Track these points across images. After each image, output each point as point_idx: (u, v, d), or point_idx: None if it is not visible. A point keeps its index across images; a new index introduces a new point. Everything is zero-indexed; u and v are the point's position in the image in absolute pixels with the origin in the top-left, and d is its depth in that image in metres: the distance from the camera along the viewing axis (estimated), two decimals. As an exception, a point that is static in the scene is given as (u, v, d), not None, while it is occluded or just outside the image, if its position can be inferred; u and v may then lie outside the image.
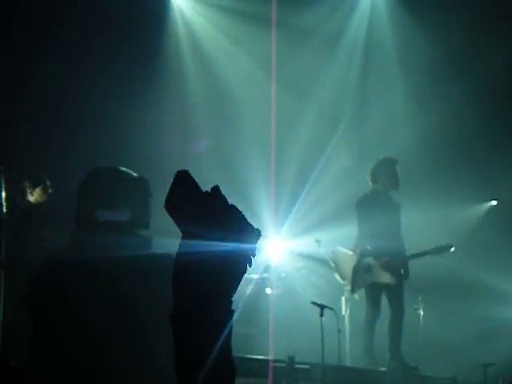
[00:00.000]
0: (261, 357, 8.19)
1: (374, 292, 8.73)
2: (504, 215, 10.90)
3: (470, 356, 8.97)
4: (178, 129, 11.06)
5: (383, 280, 8.62)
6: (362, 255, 8.72)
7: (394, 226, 8.78)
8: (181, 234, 1.72)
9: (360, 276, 8.78)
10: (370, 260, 8.69)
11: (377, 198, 8.82)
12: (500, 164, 10.71)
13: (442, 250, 8.88)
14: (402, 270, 8.71)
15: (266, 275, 10.33)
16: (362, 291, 8.99)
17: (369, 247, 8.68)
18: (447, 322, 9.77)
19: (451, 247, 8.84)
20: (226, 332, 1.73)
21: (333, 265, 9.26)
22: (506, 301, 9.85)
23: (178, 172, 1.72)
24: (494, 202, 11.35)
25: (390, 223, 8.74)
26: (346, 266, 8.99)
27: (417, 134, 10.89)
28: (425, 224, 10.24)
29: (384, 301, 8.72)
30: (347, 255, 8.93)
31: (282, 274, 10.47)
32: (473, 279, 9.67)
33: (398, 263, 8.68)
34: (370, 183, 8.92)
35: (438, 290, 9.41)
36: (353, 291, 8.88)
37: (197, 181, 1.73)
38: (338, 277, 9.26)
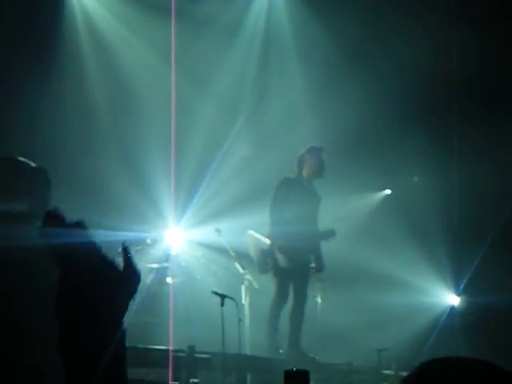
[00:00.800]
0: (161, 347, 8.24)
1: (279, 277, 8.86)
2: (397, 204, 11.21)
3: (364, 342, 9.25)
4: (77, 119, 10.92)
5: (284, 265, 8.76)
6: (271, 239, 8.83)
7: (310, 215, 8.94)
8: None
9: (266, 259, 8.90)
10: (277, 244, 8.80)
11: (298, 183, 8.94)
12: (394, 155, 11.02)
13: (326, 235, 9.10)
14: (313, 259, 8.88)
15: (166, 264, 10.36)
16: (262, 279, 9.15)
17: (279, 232, 8.78)
18: (344, 309, 10.01)
19: (334, 233, 9.07)
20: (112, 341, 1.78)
21: (232, 254, 9.36)
22: (400, 288, 10.15)
23: (47, 211, 1.80)
24: (389, 191, 11.65)
25: (307, 211, 8.89)
26: (255, 249, 9.10)
27: (316, 124, 11.08)
28: (323, 212, 10.44)
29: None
30: (258, 238, 9.04)
31: (183, 263, 10.51)
32: (368, 267, 9.93)
33: (305, 250, 8.83)
34: (296, 168, 9.02)
35: (336, 277, 9.62)
36: (261, 272, 9.02)
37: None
38: (238, 266, 9.37)
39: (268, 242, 8.88)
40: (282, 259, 8.76)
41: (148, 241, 10.21)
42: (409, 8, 10.61)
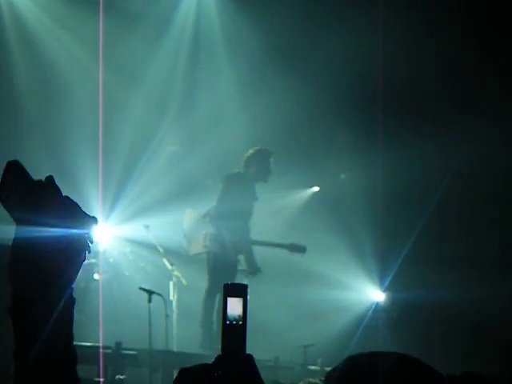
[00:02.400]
0: (89, 343, 8.18)
1: (215, 266, 8.88)
2: (325, 201, 11.34)
3: (291, 338, 9.34)
4: (3, 113, 10.75)
5: (228, 255, 8.79)
6: (214, 226, 8.85)
7: (248, 214, 9.02)
8: (14, 222, 1.76)
9: (204, 242, 8.93)
10: (220, 232, 8.83)
11: (245, 181, 9.00)
12: (323, 153, 11.14)
13: (297, 249, 9.23)
14: (244, 260, 8.95)
15: (94, 260, 10.28)
16: (190, 276, 9.17)
17: (223, 221, 8.82)
18: (271, 305, 10.08)
19: (305, 250, 9.19)
20: (59, 317, 1.76)
21: (161, 250, 9.36)
22: (326, 284, 10.27)
23: (9, 162, 1.75)
24: (317, 188, 11.76)
25: (247, 208, 8.96)
26: (194, 229, 9.12)
27: (245, 121, 11.13)
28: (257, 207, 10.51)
29: None
30: (199, 220, 9.07)
31: (110, 260, 10.44)
32: (295, 263, 10.01)
33: (236, 248, 8.89)
34: (243, 168, 9.05)
35: (263, 274, 9.68)
36: (191, 253, 9.05)
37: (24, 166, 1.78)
38: (166, 262, 9.37)
39: (213, 226, 8.92)
40: (227, 246, 8.81)
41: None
42: (338, 6, 10.72)
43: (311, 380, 8.19)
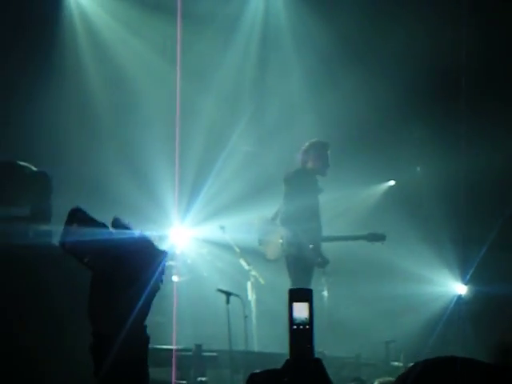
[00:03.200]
0: (168, 346, 8.25)
1: (296, 268, 8.84)
2: (401, 195, 11.21)
3: (372, 334, 9.26)
4: (78, 120, 10.95)
5: (308, 257, 8.75)
6: (288, 229, 8.83)
7: (316, 208, 8.97)
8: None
9: (282, 247, 8.91)
10: (296, 234, 8.80)
11: (306, 177, 8.96)
12: (397, 146, 11.01)
13: (376, 238, 9.14)
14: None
15: (171, 263, 10.37)
16: (268, 275, 9.16)
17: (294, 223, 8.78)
18: (350, 302, 10.02)
19: (384, 237, 9.10)
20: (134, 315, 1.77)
21: (238, 250, 9.38)
22: (406, 278, 10.14)
23: (71, 209, 1.76)
24: (392, 182, 11.63)
25: (314, 204, 8.93)
26: (269, 235, 9.13)
27: (316, 119, 11.08)
28: (327, 204, 10.45)
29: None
30: (272, 226, 9.07)
31: (188, 261, 10.52)
32: (374, 259, 9.91)
33: (318, 244, 8.86)
34: (300, 163, 9.01)
35: (341, 271, 9.62)
36: (270, 260, 9.04)
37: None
38: (243, 262, 9.39)
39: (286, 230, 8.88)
40: (305, 249, 8.75)
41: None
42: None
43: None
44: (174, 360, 7.46)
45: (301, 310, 1.79)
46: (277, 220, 9.09)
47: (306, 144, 9.07)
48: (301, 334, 1.80)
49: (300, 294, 1.80)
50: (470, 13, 10.38)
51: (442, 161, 10.67)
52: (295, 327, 1.80)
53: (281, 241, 8.91)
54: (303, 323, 1.80)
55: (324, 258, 8.92)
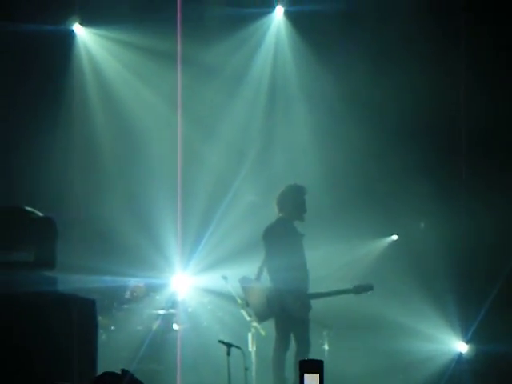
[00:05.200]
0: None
1: (283, 325, 8.80)
2: (404, 250, 11.19)
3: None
4: (84, 166, 11.01)
5: (294, 314, 8.70)
6: (272, 287, 8.79)
7: (301, 257, 8.90)
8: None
9: (268, 307, 8.85)
10: (279, 292, 8.77)
11: (283, 227, 8.90)
12: (401, 202, 11.02)
13: (363, 289, 9.07)
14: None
15: (172, 311, 10.35)
16: (269, 326, 9.10)
17: (278, 279, 8.76)
18: (351, 357, 9.95)
19: (372, 288, 9.04)
20: None
21: (239, 301, 9.34)
22: (407, 335, 10.10)
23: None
24: (395, 237, 11.63)
25: (297, 254, 8.85)
26: (255, 296, 9.06)
27: (320, 171, 11.12)
28: (328, 258, 10.44)
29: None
30: (257, 286, 9.01)
31: (189, 310, 10.50)
32: (375, 314, 9.89)
33: (307, 296, 8.80)
34: (277, 210, 8.98)
35: (342, 325, 9.58)
36: (260, 321, 8.95)
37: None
38: (244, 313, 9.34)
39: (271, 288, 8.83)
40: (291, 306, 8.71)
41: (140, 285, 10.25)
42: (415, 58, 10.69)
43: None
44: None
45: (312, 381, 1.79)
46: (259, 279, 9.01)
47: (282, 189, 9.03)
48: (313, 405, 1.79)
49: (311, 365, 1.80)
50: (473, 74, 10.50)
51: (444, 218, 10.70)
52: (307, 399, 1.80)
53: (266, 301, 8.83)
54: (314, 395, 1.79)
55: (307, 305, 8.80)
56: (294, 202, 8.94)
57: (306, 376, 1.79)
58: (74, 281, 9.27)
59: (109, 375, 1.96)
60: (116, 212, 10.73)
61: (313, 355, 8.88)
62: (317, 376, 1.80)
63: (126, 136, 11.32)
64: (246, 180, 11.40)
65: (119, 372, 2.04)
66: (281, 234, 8.85)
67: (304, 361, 1.82)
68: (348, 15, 11.19)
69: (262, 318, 8.98)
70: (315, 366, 1.81)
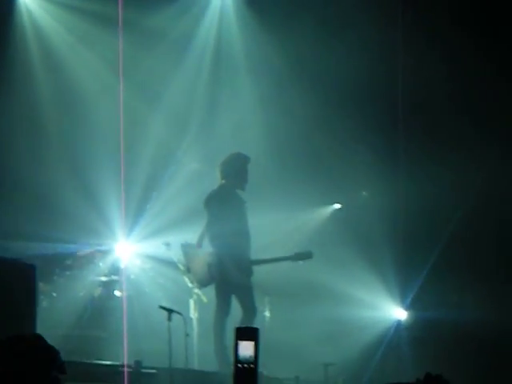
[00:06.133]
0: (109, 362, 8.20)
1: (224, 291, 8.86)
2: (346, 219, 11.31)
3: (312, 357, 9.31)
4: (24, 127, 10.85)
5: (234, 279, 8.76)
6: (213, 253, 8.82)
7: (243, 224, 8.93)
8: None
9: (209, 273, 8.89)
10: (220, 258, 8.81)
11: (225, 194, 8.92)
12: (344, 170, 11.12)
13: (303, 256, 9.14)
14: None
15: (115, 277, 10.32)
16: (211, 293, 9.15)
17: (219, 246, 8.80)
18: (291, 324, 10.06)
19: (312, 255, 9.10)
20: None
21: (181, 268, 9.35)
22: (347, 302, 10.24)
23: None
24: (338, 205, 11.73)
25: (240, 221, 8.89)
26: (196, 262, 9.09)
27: (265, 139, 11.15)
28: (272, 226, 10.50)
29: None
30: (198, 252, 9.04)
31: (132, 276, 10.48)
32: (316, 281, 9.99)
33: (248, 262, 8.85)
34: (219, 178, 8.98)
35: (283, 292, 9.67)
36: (201, 287, 8.99)
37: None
38: (186, 279, 9.37)
39: (212, 254, 8.86)
40: (234, 274, 8.76)
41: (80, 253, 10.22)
42: (357, 23, 10.72)
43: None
44: (124, 376, 7.40)
45: (246, 349, 1.81)
46: (201, 245, 9.04)
47: (226, 157, 9.04)
48: (246, 373, 1.82)
49: (246, 332, 1.82)
50: (416, 39, 10.58)
51: (385, 187, 10.82)
52: (240, 366, 1.82)
53: (208, 267, 8.87)
54: (248, 362, 1.82)
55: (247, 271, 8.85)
56: (236, 171, 8.95)
57: (241, 343, 1.80)
58: (15, 247, 9.21)
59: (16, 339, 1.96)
60: (58, 177, 10.61)
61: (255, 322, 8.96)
62: (252, 343, 1.81)
63: (68, 101, 11.16)
64: (189, 147, 11.37)
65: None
66: (223, 200, 8.88)
67: (239, 328, 1.83)
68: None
69: (202, 283, 9.02)
70: (251, 334, 1.83)
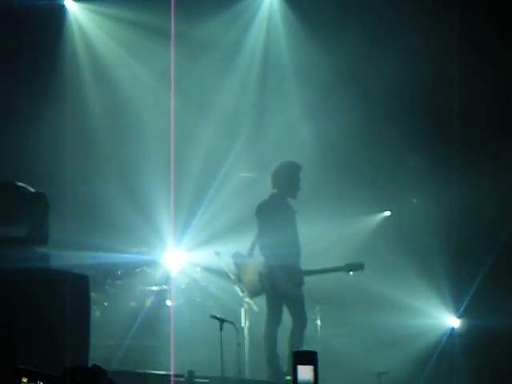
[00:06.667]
0: (161, 372, 8.25)
1: (274, 301, 8.85)
2: (397, 226, 11.23)
3: (365, 365, 9.23)
4: (77, 142, 10.99)
5: (284, 290, 8.75)
6: (264, 263, 8.82)
7: (294, 234, 8.91)
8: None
9: (260, 283, 8.89)
10: (270, 268, 8.80)
11: (276, 204, 8.90)
12: (393, 177, 11.05)
13: (354, 267, 9.10)
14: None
15: (165, 287, 10.39)
16: (261, 302, 9.14)
17: (271, 255, 8.79)
18: (343, 332, 10.01)
19: (363, 266, 9.06)
20: None
21: (232, 277, 9.36)
22: (399, 310, 10.15)
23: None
24: (388, 213, 11.65)
25: (290, 230, 8.86)
26: (247, 272, 9.09)
27: (313, 147, 11.13)
28: (322, 234, 10.47)
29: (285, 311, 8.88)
30: (249, 262, 9.04)
31: (182, 286, 10.54)
32: (368, 289, 9.93)
33: (299, 272, 8.83)
34: (270, 187, 8.98)
35: (335, 300, 9.63)
36: (252, 297, 8.99)
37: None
38: (237, 289, 9.37)
39: (263, 264, 8.86)
40: (282, 281, 8.75)
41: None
42: (409, 33, 10.66)
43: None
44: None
45: (305, 373, 1.80)
46: (252, 254, 9.03)
47: (277, 166, 9.02)
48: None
49: (305, 356, 1.81)
50: (467, 46, 10.47)
51: (437, 193, 10.72)
52: (300, 391, 1.81)
53: (258, 277, 8.86)
54: (308, 386, 1.81)
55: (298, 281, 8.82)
56: (288, 179, 8.93)
57: (300, 368, 1.79)
58: (66, 257, 9.31)
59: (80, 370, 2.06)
60: (109, 188, 10.73)
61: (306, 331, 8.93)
62: (311, 367, 1.80)
63: (118, 112, 11.30)
64: (238, 156, 11.40)
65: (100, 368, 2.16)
66: (274, 210, 8.86)
67: (297, 352, 1.82)
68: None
69: (253, 293, 9.01)
70: (309, 358, 1.81)
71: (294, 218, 8.95)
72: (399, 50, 10.69)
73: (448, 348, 10.28)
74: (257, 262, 8.98)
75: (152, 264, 10.46)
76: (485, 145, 10.60)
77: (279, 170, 8.98)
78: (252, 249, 9.04)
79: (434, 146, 10.94)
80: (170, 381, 7.84)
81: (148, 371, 8.32)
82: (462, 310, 10.54)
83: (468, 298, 10.35)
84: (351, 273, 9.17)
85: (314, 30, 11.20)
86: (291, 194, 8.97)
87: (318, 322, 9.55)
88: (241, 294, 9.29)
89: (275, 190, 8.96)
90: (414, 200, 11.66)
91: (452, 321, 10.67)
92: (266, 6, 11.70)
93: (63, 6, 11.36)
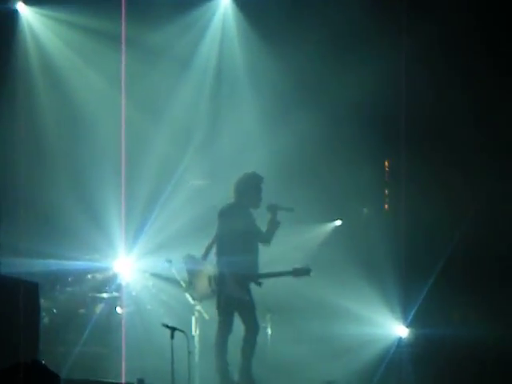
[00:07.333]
0: (111, 380, 8.20)
1: (225, 307, 8.85)
2: (347, 235, 11.32)
3: (314, 373, 9.28)
4: (27, 147, 10.89)
5: (236, 295, 8.76)
6: (215, 266, 8.83)
7: (252, 241, 8.95)
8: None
9: (209, 286, 8.89)
10: (224, 273, 8.80)
11: (239, 210, 8.95)
12: (345, 187, 11.14)
13: (301, 272, 9.13)
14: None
15: (116, 294, 10.33)
16: (213, 310, 9.14)
17: (225, 259, 8.80)
18: (294, 340, 10.04)
19: (310, 271, 9.10)
20: None
21: (183, 285, 9.35)
22: (348, 319, 10.23)
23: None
24: (339, 222, 11.73)
25: (249, 237, 8.90)
26: (197, 275, 9.08)
27: (265, 155, 11.17)
28: (274, 242, 10.50)
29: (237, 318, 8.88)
30: (200, 265, 9.03)
31: (133, 293, 10.48)
32: (318, 298, 9.99)
33: (251, 279, 8.85)
34: (234, 195, 9.01)
35: (286, 308, 9.66)
36: (202, 300, 8.98)
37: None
38: (188, 296, 9.36)
39: (214, 267, 8.87)
40: (233, 287, 8.76)
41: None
42: (361, 46, 10.77)
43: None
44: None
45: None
46: (206, 258, 9.05)
47: (241, 176, 9.09)
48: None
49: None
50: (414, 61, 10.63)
51: (388, 204, 10.85)
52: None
53: (209, 280, 8.87)
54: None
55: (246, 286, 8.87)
56: (252, 189, 9.00)
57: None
58: (17, 264, 9.22)
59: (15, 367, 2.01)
60: (60, 194, 10.64)
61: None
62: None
63: (70, 117, 11.22)
64: (191, 163, 11.39)
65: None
66: (236, 215, 8.91)
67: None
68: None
69: (203, 297, 9.02)
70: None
71: (255, 226, 9.00)
72: (352, 61, 10.79)
73: (396, 357, 10.38)
74: (208, 265, 8.99)
75: (103, 271, 10.39)
76: (437, 157, 10.76)
77: (243, 180, 9.04)
78: (208, 250, 9.04)
79: (384, 158, 11.07)
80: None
81: (98, 379, 8.25)
82: (410, 319, 10.66)
83: (416, 308, 10.48)
84: (299, 278, 9.21)
85: (268, 38, 11.25)
86: (253, 204, 9.04)
87: (269, 331, 9.57)
88: (192, 302, 9.28)
89: (238, 199, 9.00)
90: (365, 210, 11.77)
91: (400, 330, 10.78)
92: (220, 13, 11.72)
93: (15, 10, 11.25)
